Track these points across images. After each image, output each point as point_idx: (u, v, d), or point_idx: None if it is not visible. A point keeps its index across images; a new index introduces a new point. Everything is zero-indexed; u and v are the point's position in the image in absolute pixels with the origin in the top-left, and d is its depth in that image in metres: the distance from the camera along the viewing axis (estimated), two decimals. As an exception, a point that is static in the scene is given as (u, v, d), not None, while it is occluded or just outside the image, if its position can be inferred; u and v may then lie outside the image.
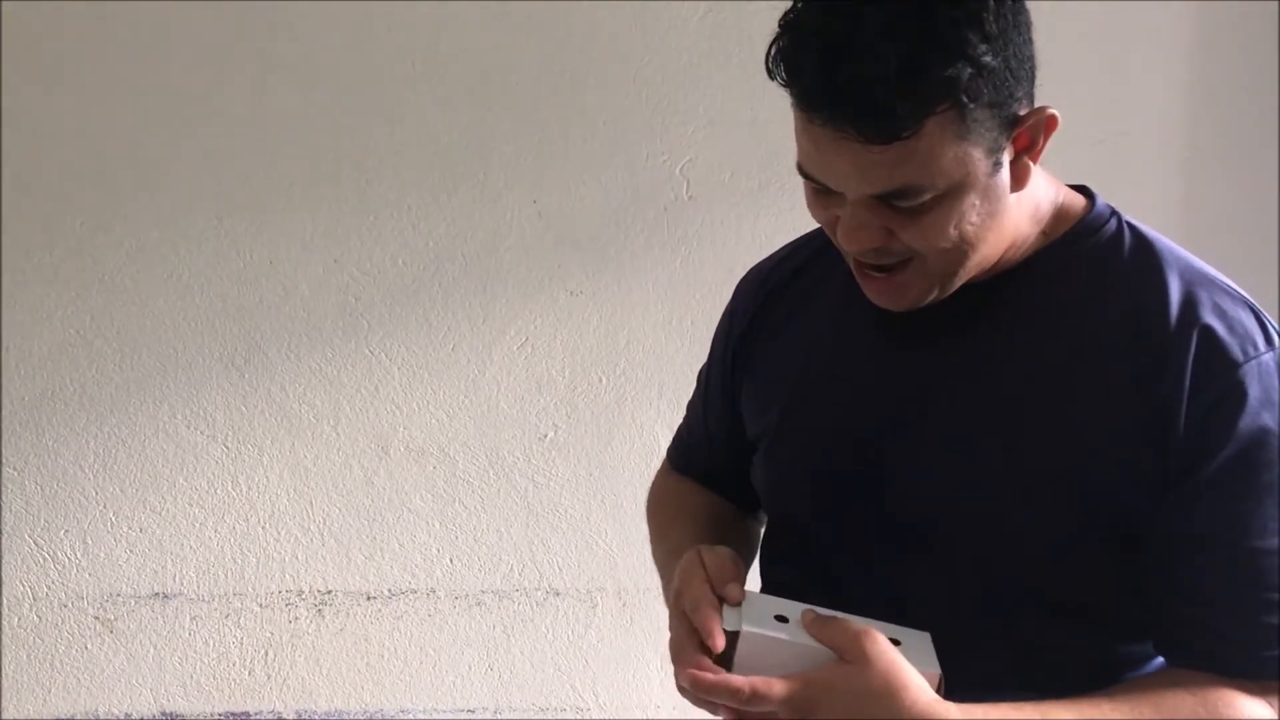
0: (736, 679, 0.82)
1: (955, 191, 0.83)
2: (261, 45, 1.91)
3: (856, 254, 0.89)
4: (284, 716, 2.10)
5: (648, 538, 1.16)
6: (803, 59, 0.80)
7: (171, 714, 2.09)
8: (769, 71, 0.83)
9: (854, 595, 0.92)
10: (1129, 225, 0.94)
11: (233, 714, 2.09)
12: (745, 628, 0.84)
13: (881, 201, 0.84)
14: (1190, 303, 0.87)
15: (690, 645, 0.86)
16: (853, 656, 0.82)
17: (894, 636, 0.85)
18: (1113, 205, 0.95)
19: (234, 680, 2.08)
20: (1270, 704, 0.86)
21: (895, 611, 0.88)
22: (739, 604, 0.86)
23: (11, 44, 1.87)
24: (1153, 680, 0.90)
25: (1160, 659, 0.94)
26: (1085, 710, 0.85)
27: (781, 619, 0.86)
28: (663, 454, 1.27)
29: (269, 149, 1.93)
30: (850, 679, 0.81)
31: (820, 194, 0.88)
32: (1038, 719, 0.84)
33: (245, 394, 1.99)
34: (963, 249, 0.87)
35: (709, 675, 0.83)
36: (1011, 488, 0.90)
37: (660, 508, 1.18)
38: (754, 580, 1.09)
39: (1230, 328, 0.86)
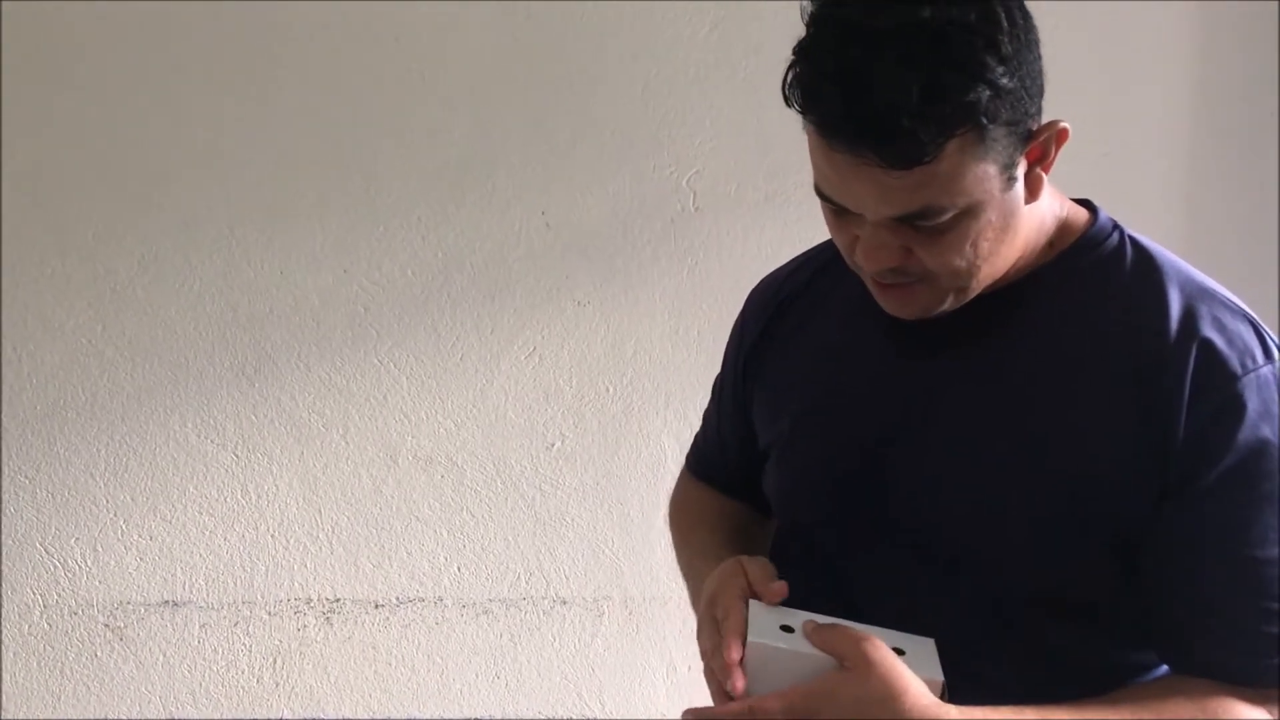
0: (734, 705, 0.84)
1: (974, 209, 0.85)
2: (271, 56, 1.92)
3: (874, 273, 0.90)
4: (292, 724, 2.10)
5: (658, 551, 1.17)
6: (823, 88, 0.81)
7: (180, 721, 2.09)
8: (785, 98, 0.84)
9: (863, 601, 0.93)
10: (1131, 239, 0.95)
11: (241, 721, 2.10)
12: (750, 639, 0.86)
13: (902, 222, 0.85)
14: (1190, 316, 0.89)
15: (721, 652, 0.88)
16: (853, 663, 0.83)
17: (898, 645, 0.86)
18: (1115, 219, 0.97)
19: (242, 688, 2.08)
20: (1270, 711, 0.87)
21: (904, 617, 0.89)
22: (778, 601, 0.88)
23: (21, 50, 1.88)
24: (1154, 686, 0.91)
25: (1165, 666, 0.95)
26: (1085, 713, 0.86)
27: (787, 629, 0.87)
28: (669, 463, 1.28)
29: (279, 159, 1.94)
30: (850, 685, 0.82)
31: (838, 214, 0.89)
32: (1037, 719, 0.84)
33: (255, 403, 2.00)
34: (978, 264, 0.88)
35: (707, 709, 0.86)
36: (1015, 494, 0.91)
37: (682, 513, 1.19)
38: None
39: (1229, 341, 0.87)
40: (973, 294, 0.91)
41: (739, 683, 0.85)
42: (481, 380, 2.03)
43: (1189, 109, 2.02)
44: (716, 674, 0.87)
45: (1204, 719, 0.86)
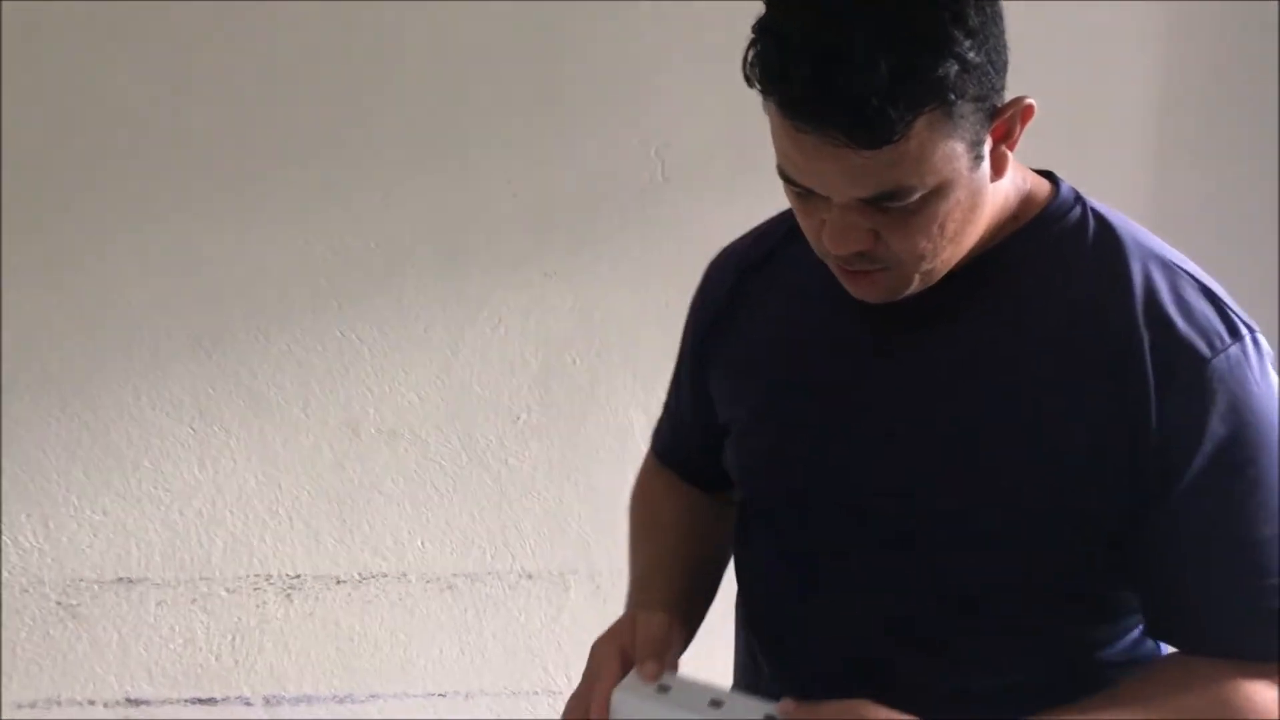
0: None
1: (942, 189, 0.83)
2: (232, 24, 1.87)
3: (840, 259, 0.88)
4: (252, 702, 2.08)
5: (624, 524, 1.15)
6: (792, 70, 0.77)
7: (136, 700, 2.07)
8: (746, 78, 0.81)
9: (827, 579, 0.92)
10: (1093, 211, 0.93)
11: (199, 699, 2.07)
12: (615, 690, 0.87)
13: (869, 204, 0.83)
14: (1153, 295, 0.87)
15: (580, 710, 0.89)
16: None
17: (716, 698, 0.86)
18: (1077, 189, 0.95)
19: (201, 665, 2.06)
20: (1272, 684, 0.86)
21: (869, 597, 0.89)
22: (653, 681, 0.88)
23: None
24: (1161, 678, 0.90)
25: (1132, 635, 0.95)
26: (1096, 715, 0.85)
27: (664, 689, 0.87)
28: (636, 436, 1.26)
29: (239, 128, 1.90)
30: None
31: (803, 198, 0.87)
32: None
33: (213, 375, 1.97)
34: (944, 245, 0.86)
35: None
36: (981, 476, 0.90)
37: (640, 510, 1.17)
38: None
39: (1193, 322, 0.86)
40: (938, 276, 0.89)
41: None
42: (446, 352, 2.00)
43: (1159, 85, 2.02)
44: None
45: (1220, 714, 0.85)
